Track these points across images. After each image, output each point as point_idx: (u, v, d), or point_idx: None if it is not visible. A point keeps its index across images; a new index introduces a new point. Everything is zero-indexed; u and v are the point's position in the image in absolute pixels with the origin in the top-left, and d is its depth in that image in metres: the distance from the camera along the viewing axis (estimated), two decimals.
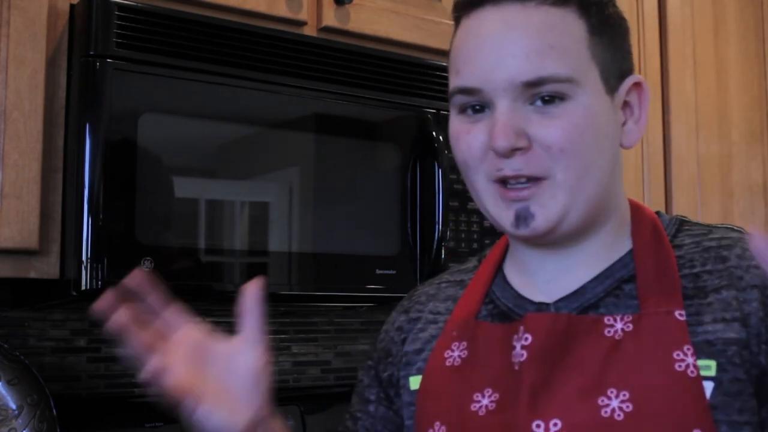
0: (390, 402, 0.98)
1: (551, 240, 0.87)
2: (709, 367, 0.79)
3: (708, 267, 0.85)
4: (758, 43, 2.32)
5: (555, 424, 0.80)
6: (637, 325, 0.83)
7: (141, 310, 0.88)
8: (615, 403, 0.79)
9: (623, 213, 0.91)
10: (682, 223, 0.91)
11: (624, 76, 0.87)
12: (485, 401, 0.85)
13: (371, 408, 1.00)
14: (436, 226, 1.48)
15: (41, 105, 1.25)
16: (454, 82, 0.87)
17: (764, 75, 2.32)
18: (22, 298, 1.47)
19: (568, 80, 0.81)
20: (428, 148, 1.51)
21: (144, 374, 0.83)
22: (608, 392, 0.80)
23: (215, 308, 1.70)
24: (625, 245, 0.89)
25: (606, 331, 0.83)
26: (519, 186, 0.83)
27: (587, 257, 0.88)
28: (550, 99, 0.82)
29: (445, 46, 1.65)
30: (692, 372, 0.79)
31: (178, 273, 1.27)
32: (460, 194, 1.54)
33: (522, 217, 0.84)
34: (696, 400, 0.78)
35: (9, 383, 1.34)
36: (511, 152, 0.81)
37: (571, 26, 0.83)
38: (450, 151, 1.51)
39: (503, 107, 0.82)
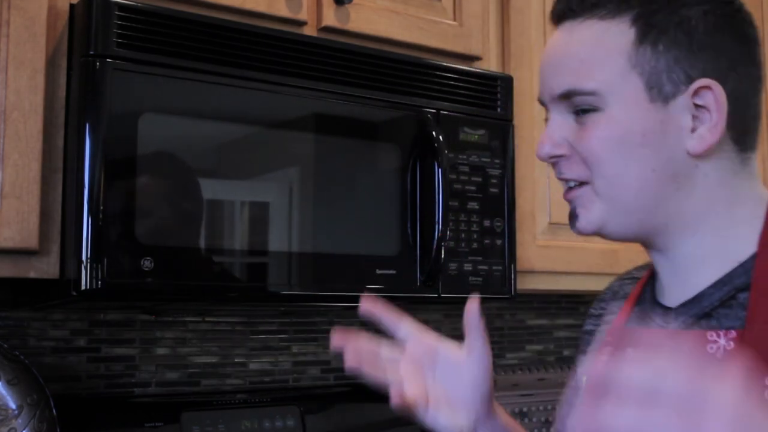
0: None
1: (615, 238, 0.90)
2: None
3: None
4: None
5: None
6: (740, 343, 0.79)
7: (376, 334, 1.00)
8: None
9: (740, 213, 0.87)
10: None
11: (691, 80, 0.84)
12: None
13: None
14: (436, 226, 1.48)
15: (41, 105, 1.25)
16: None
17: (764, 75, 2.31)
18: (22, 298, 1.47)
19: (592, 93, 0.85)
20: (428, 148, 1.51)
21: (393, 404, 0.93)
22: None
23: (215, 308, 1.71)
24: (750, 248, 0.85)
25: (709, 348, 0.81)
26: (570, 187, 0.90)
27: (699, 261, 0.87)
28: (585, 110, 0.86)
29: (445, 46, 1.66)
30: None
31: (179, 273, 1.27)
32: (460, 194, 1.54)
33: (571, 216, 0.91)
34: None
35: (9, 383, 1.34)
36: (551, 159, 0.89)
37: (613, 38, 0.85)
38: (450, 151, 1.53)
39: (553, 117, 0.90)
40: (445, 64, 1.60)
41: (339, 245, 1.42)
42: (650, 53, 0.84)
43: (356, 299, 1.56)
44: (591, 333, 1.03)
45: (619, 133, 0.85)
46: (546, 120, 0.93)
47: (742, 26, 0.88)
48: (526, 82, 1.79)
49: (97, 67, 1.23)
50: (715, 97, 0.84)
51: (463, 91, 1.59)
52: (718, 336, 0.81)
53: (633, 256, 1.90)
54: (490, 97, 1.63)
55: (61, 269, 1.26)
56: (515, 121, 1.69)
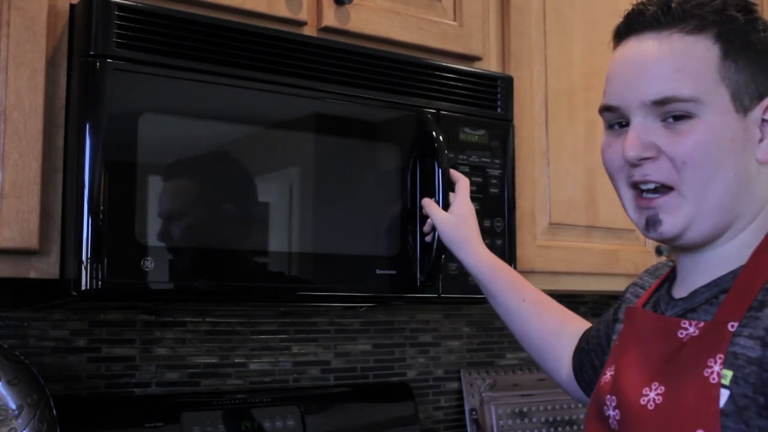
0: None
1: (682, 245, 0.98)
2: (726, 376, 0.87)
3: None
4: None
5: (612, 400, 0.98)
6: (701, 331, 0.92)
7: None
8: (652, 395, 0.92)
9: (761, 226, 0.97)
10: None
11: (763, 97, 0.94)
12: (608, 372, 1.04)
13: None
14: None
15: (41, 105, 1.25)
16: (602, 101, 1.01)
17: None
18: (22, 298, 1.47)
19: (692, 100, 0.92)
20: (428, 148, 1.51)
21: None
22: (652, 384, 0.93)
23: (215, 308, 1.71)
24: (745, 258, 0.95)
25: (679, 333, 0.94)
26: (650, 195, 0.96)
27: (712, 264, 0.97)
28: (678, 117, 0.93)
29: (445, 46, 1.66)
30: (714, 379, 0.87)
31: (178, 273, 1.27)
32: None
33: (651, 222, 0.96)
34: (710, 404, 0.86)
35: (9, 383, 1.34)
36: (639, 161, 0.95)
37: (703, 52, 0.93)
38: (450, 151, 1.53)
39: (636, 122, 0.95)
40: (445, 64, 1.60)
41: (339, 245, 1.42)
42: (734, 68, 0.93)
43: (356, 299, 1.57)
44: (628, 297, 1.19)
45: (714, 138, 0.92)
46: (610, 128, 1.00)
47: None
48: (526, 82, 1.79)
49: (97, 67, 1.23)
50: None
51: (463, 91, 1.59)
52: (690, 325, 0.94)
53: (632, 257, 1.92)
54: (490, 97, 1.63)
55: (61, 269, 1.26)
56: (515, 121, 1.69)
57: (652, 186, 0.95)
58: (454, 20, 1.69)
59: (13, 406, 1.33)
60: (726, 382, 0.87)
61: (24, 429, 1.33)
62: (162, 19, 1.28)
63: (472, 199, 1.47)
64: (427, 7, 1.65)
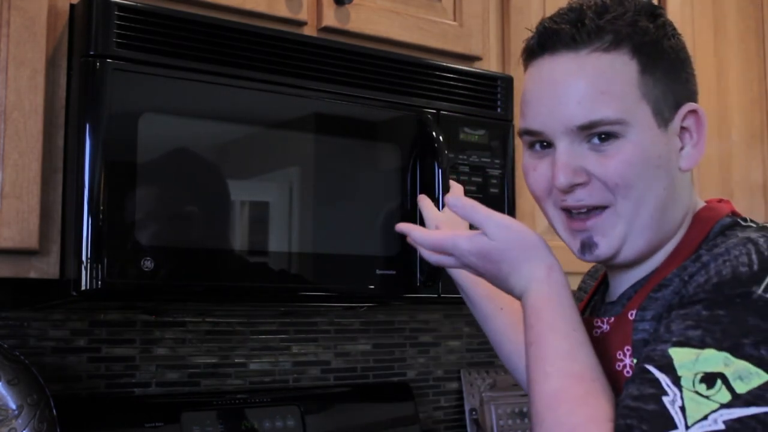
0: None
1: (616, 264, 0.97)
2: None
3: (687, 271, 0.89)
4: (758, 43, 2.32)
5: None
6: (611, 326, 0.95)
7: None
8: None
9: (681, 229, 0.97)
10: (724, 231, 0.94)
11: (679, 105, 0.94)
12: None
13: None
14: None
15: (41, 105, 1.25)
16: (521, 123, 0.99)
17: (764, 75, 2.32)
18: (22, 298, 1.47)
19: (618, 122, 0.91)
20: (428, 148, 1.51)
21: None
22: None
23: (215, 308, 1.71)
24: (659, 261, 0.97)
25: (594, 332, 0.96)
26: (582, 216, 0.95)
27: (640, 270, 0.98)
28: (604, 138, 0.91)
29: (445, 46, 1.66)
30: (628, 372, 0.89)
31: (179, 273, 1.27)
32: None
33: (587, 246, 0.96)
34: None
35: (9, 383, 1.34)
36: (571, 188, 0.93)
37: (622, 69, 0.92)
38: (450, 151, 1.53)
39: (562, 148, 0.93)
40: (445, 64, 1.60)
41: (339, 245, 1.42)
42: (652, 82, 0.92)
43: (356, 299, 1.57)
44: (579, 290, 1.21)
45: (642, 156, 0.92)
46: (531, 148, 0.99)
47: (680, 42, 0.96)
48: None
49: (97, 67, 1.23)
50: (698, 119, 0.94)
51: (463, 91, 1.59)
52: (602, 323, 0.96)
53: None
54: (490, 97, 1.63)
55: (61, 269, 1.25)
56: (515, 121, 1.69)
57: (584, 210, 0.95)
58: (454, 20, 1.69)
59: (13, 406, 1.33)
60: None
61: (24, 429, 1.33)
62: (162, 19, 1.28)
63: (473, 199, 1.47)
64: (427, 7, 1.65)
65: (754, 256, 0.82)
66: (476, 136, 1.60)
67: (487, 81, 1.64)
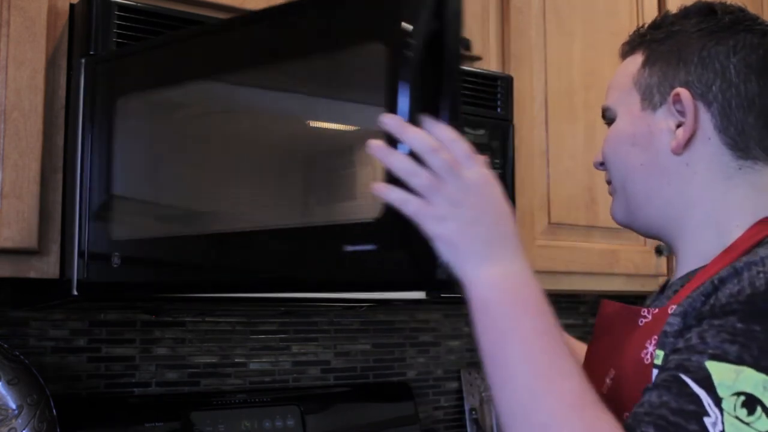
0: None
1: (637, 231, 1.07)
2: (659, 356, 0.88)
3: (719, 274, 0.87)
4: None
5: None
6: (653, 317, 0.94)
7: None
8: (608, 379, 0.96)
9: (722, 226, 0.98)
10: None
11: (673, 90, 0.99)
12: None
13: None
14: None
15: (41, 105, 1.25)
16: None
17: None
18: (22, 298, 1.47)
19: (610, 108, 1.05)
20: None
21: None
22: (610, 371, 0.96)
23: (215, 308, 1.71)
24: (713, 257, 0.97)
25: (639, 321, 0.96)
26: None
27: (685, 261, 1.01)
28: (608, 123, 1.06)
29: None
30: (647, 360, 0.89)
31: (179, 272, 1.27)
32: None
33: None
34: (643, 385, 0.86)
35: (9, 383, 1.34)
36: (599, 167, 1.09)
37: (630, 66, 1.04)
38: None
39: None
40: None
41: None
42: (648, 72, 1.01)
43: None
44: None
45: (618, 136, 1.03)
46: None
47: (734, 37, 0.97)
48: (526, 82, 1.79)
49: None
50: (684, 102, 0.97)
51: (463, 91, 1.59)
52: (648, 313, 0.96)
53: (632, 256, 1.92)
54: (490, 97, 1.63)
55: (61, 269, 1.25)
56: (515, 121, 1.69)
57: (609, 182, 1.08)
58: None
59: (13, 406, 1.33)
60: (658, 361, 0.87)
61: (24, 429, 1.33)
62: (162, 19, 1.28)
63: None
64: None
65: None
66: (476, 136, 1.60)
67: (487, 81, 1.64)
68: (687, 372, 0.79)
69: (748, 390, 0.76)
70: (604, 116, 1.07)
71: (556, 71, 1.85)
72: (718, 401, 0.76)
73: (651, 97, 1.00)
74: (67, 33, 1.29)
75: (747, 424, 0.75)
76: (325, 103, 1.05)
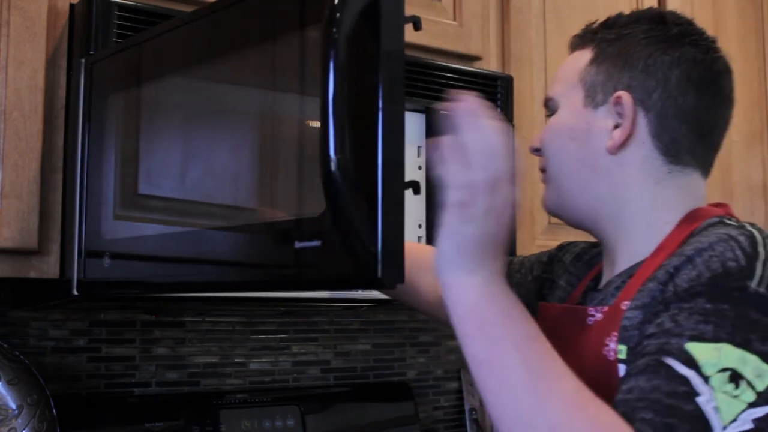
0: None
1: (566, 222, 1.10)
2: (622, 350, 0.91)
3: (672, 263, 0.91)
4: (758, 43, 2.32)
5: None
6: (604, 315, 0.98)
7: None
8: None
9: (656, 222, 1.02)
10: (707, 228, 0.97)
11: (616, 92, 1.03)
12: None
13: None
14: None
15: (41, 105, 1.25)
16: None
17: (764, 75, 2.32)
18: (22, 298, 1.47)
19: (551, 99, 1.09)
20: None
21: None
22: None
23: (215, 308, 1.71)
24: (649, 251, 1.01)
25: (587, 320, 1.00)
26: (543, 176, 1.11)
27: (622, 258, 1.03)
28: (550, 115, 1.10)
29: (445, 46, 1.66)
30: (611, 356, 0.92)
31: (178, 270, 1.27)
32: None
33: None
34: (610, 380, 0.89)
35: (9, 383, 1.34)
36: (535, 152, 1.12)
37: (579, 61, 1.08)
38: None
39: None
40: (445, 64, 1.60)
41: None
42: (595, 71, 1.05)
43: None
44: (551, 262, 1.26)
45: (558, 128, 1.07)
46: None
47: (680, 50, 1.02)
48: (526, 82, 1.79)
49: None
50: (625, 106, 1.01)
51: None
52: (596, 311, 0.99)
53: None
54: (490, 97, 1.63)
55: (61, 269, 1.26)
56: (515, 121, 1.69)
57: (542, 169, 1.12)
58: (454, 20, 1.69)
59: (13, 406, 1.33)
60: (622, 356, 0.90)
61: (24, 429, 1.33)
62: (162, 19, 1.28)
63: None
64: (426, 6, 1.65)
65: (738, 252, 0.85)
66: None
67: (487, 81, 1.64)
68: (670, 355, 0.81)
69: (731, 365, 0.79)
70: (546, 106, 1.11)
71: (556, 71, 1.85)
72: (706, 379, 0.79)
73: (594, 95, 1.04)
74: (67, 33, 1.29)
75: (735, 397, 0.78)
76: (271, 95, 1.02)
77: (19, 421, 1.33)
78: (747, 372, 0.79)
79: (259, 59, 0.98)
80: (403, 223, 0.77)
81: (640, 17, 1.06)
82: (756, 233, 0.88)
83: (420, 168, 1.52)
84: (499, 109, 1.64)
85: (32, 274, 1.24)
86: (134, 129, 1.15)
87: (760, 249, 0.86)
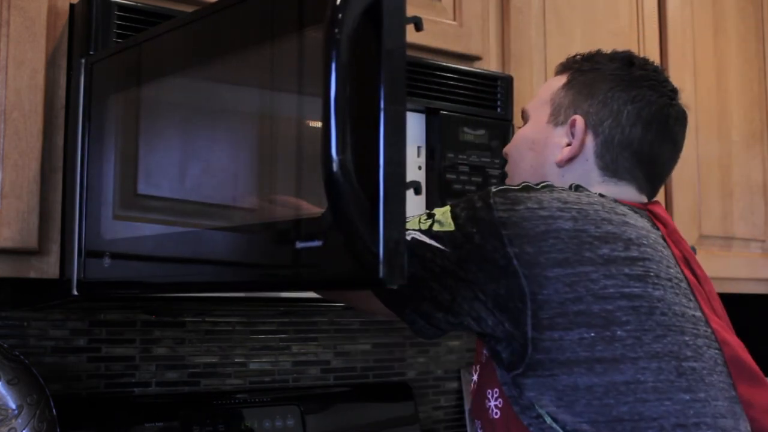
0: None
1: None
2: None
3: None
4: (758, 43, 2.32)
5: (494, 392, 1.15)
6: None
7: None
8: (475, 375, 1.16)
9: None
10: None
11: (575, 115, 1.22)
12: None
13: None
14: None
15: (41, 105, 1.25)
16: None
17: (764, 75, 2.32)
18: (22, 298, 1.47)
19: (524, 112, 1.30)
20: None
21: None
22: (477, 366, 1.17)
23: (215, 308, 1.71)
24: None
25: None
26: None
27: None
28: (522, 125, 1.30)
29: (444, 46, 1.66)
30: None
31: (178, 269, 1.27)
32: (460, 194, 1.54)
33: None
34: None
35: (9, 383, 1.34)
36: (505, 155, 1.34)
37: (555, 83, 1.26)
38: (450, 151, 1.52)
39: None
40: (445, 64, 1.60)
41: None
42: (563, 94, 1.24)
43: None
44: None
45: (521, 138, 1.27)
46: None
47: (637, 90, 1.19)
48: (526, 82, 1.79)
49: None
50: (577, 129, 1.20)
51: (463, 91, 1.59)
52: None
53: None
54: (490, 97, 1.63)
55: (61, 269, 1.25)
56: (515, 122, 1.69)
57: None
58: (454, 20, 1.69)
59: (13, 406, 1.33)
60: None
61: (24, 429, 1.33)
62: (162, 19, 1.28)
63: None
64: (426, 6, 1.65)
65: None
66: (476, 136, 1.60)
67: (487, 81, 1.64)
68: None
69: (433, 210, 1.07)
70: (522, 116, 1.29)
71: None
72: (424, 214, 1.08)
73: (557, 115, 1.23)
74: (67, 33, 1.29)
75: (418, 221, 1.06)
76: (272, 95, 1.01)
77: (19, 421, 1.33)
78: (437, 217, 1.05)
79: (259, 59, 0.98)
80: (405, 223, 0.77)
81: (614, 57, 1.24)
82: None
83: (420, 168, 1.52)
84: (499, 109, 1.64)
85: (32, 274, 1.24)
86: (134, 129, 1.15)
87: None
